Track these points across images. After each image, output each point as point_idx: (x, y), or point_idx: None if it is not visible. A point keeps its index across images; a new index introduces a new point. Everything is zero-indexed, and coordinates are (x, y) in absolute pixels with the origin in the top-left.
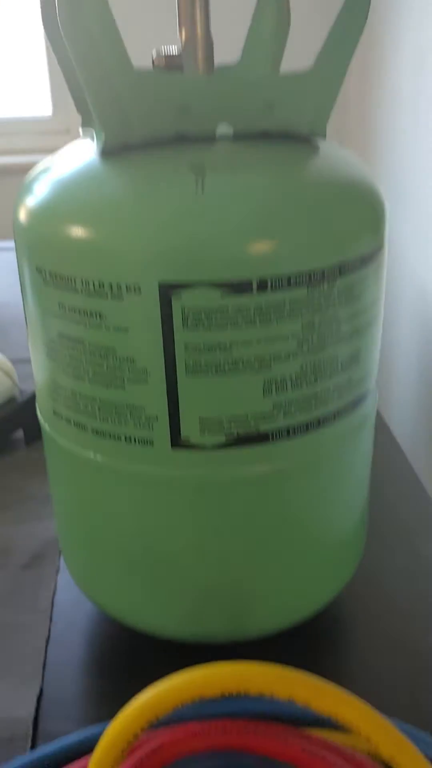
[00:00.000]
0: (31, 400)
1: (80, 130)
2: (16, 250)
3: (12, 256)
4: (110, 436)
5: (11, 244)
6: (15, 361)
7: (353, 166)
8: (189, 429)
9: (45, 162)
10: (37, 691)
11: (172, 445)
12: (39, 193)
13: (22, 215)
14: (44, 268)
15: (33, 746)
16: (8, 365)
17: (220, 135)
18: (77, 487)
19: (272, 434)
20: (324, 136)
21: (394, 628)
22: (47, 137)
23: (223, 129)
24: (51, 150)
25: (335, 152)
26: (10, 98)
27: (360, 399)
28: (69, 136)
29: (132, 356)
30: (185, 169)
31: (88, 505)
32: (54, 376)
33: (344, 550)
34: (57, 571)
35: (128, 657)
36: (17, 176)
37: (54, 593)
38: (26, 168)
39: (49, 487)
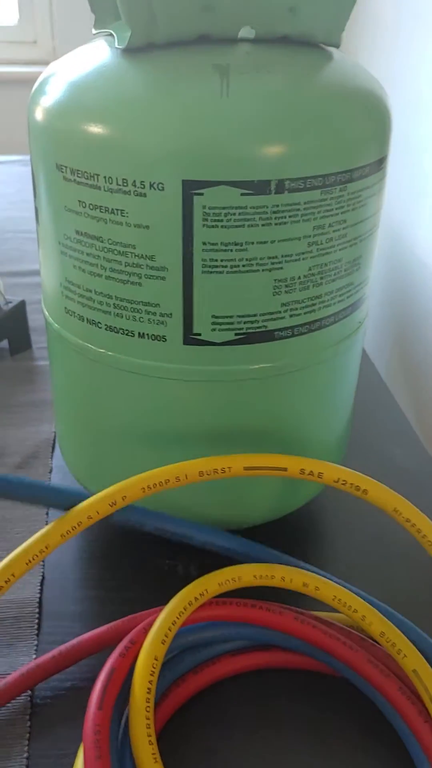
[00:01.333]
0: (17, 310)
1: (95, 31)
2: (31, 149)
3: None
4: (124, 332)
5: None
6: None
7: (364, 77)
8: (201, 326)
9: (54, 66)
10: (39, 577)
11: (184, 341)
12: (57, 92)
13: (39, 114)
14: (65, 164)
15: (39, 624)
16: None
17: (242, 37)
18: (87, 384)
19: (278, 333)
20: (338, 46)
21: (370, 524)
22: (13, 47)
23: (245, 32)
24: (17, 62)
25: (348, 62)
26: None
27: (357, 304)
28: (36, 47)
29: (151, 253)
30: (210, 69)
31: (96, 401)
32: (67, 274)
33: (332, 449)
34: (50, 471)
35: (123, 544)
36: None
37: None
38: None
39: (36, 394)
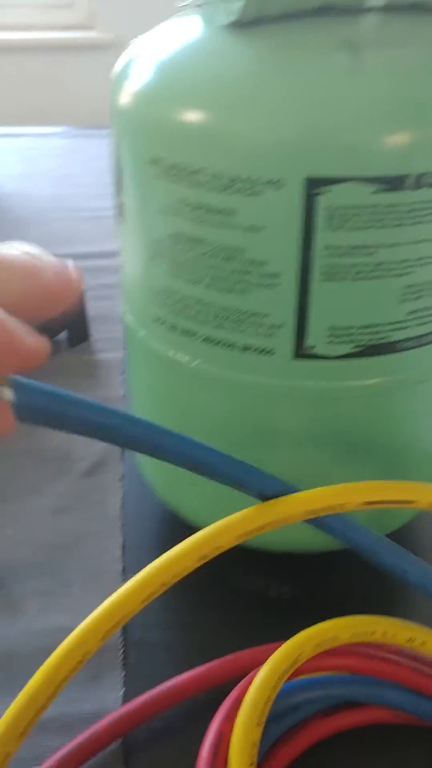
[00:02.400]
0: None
1: (182, 2)
2: (114, 141)
3: (20, 143)
4: (224, 344)
5: (15, 129)
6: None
7: None
8: (316, 338)
9: (137, 46)
10: None
11: (295, 355)
12: (148, 73)
13: (126, 100)
14: (162, 158)
15: (125, 655)
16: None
17: (370, 6)
18: (176, 398)
19: (402, 344)
20: None
21: None
22: (48, 11)
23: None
24: (52, 27)
25: None
26: None
27: None
28: (72, 12)
29: (263, 258)
30: (334, 44)
31: (187, 415)
32: (159, 279)
33: None
34: (120, 479)
35: (206, 565)
36: (13, 55)
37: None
38: (25, 46)
39: (100, 390)
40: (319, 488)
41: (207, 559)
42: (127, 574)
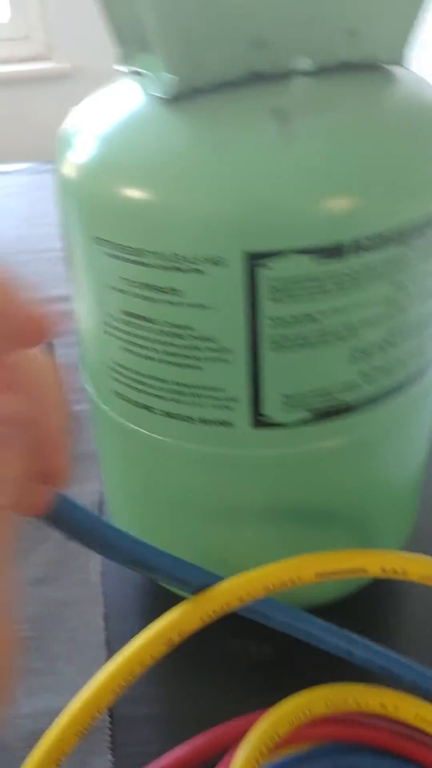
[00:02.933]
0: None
1: (118, 66)
2: (60, 211)
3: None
4: (183, 417)
5: None
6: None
7: None
8: (271, 407)
9: (78, 113)
10: None
11: (252, 425)
12: (89, 147)
13: (69, 171)
14: (104, 238)
15: (112, 733)
16: None
17: (298, 70)
18: (139, 466)
19: (356, 404)
20: (403, 64)
21: None
22: (5, 45)
23: (302, 63)
24: (8, 60)
25: (415, 80)
26: None
27: None
28: (29, 43)
29: (211, 335)
30: (265, 113)
31: (150, 482)
32: (113, 355)
33: (407, 509)
34: None
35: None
36: None
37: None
38: None
39: (76, 446)
40: (270, 564)
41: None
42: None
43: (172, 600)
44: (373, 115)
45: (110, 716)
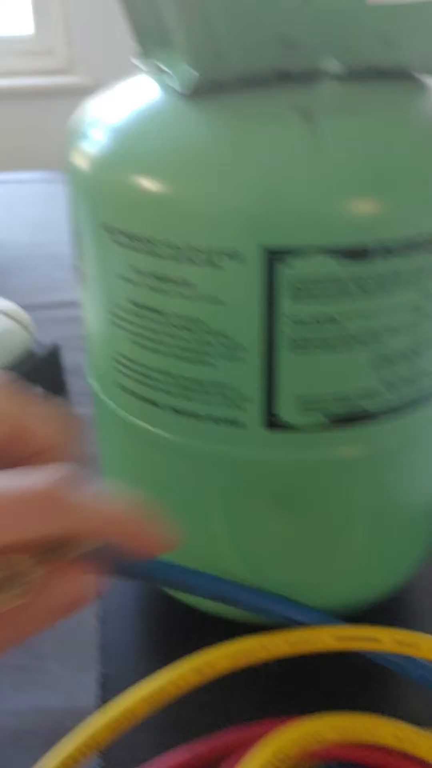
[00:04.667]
0: (51, 355)
1: (137, 62)
2: (71, 202)
3: (4, 189)
4: (192, 415)
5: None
6: (24, 309)
7: None
8: (286, 410)
9: (92, 105)
10: (97, 676)
11: (265, 427)
12: (104, 138)
13: (82, 161)
14: (114, 226)
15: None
16: (23, 316)
17: (327, 72)
18: (144, 465)
19: (377, 413)
20: None
21: None
22: (28, 58)
23: (331, 65)
24: (32, 73)
25: None
26: None
27: None
28: (52, 57)
29: (226, 330)
30: (291, 111)
31: (154, 481)
32: (120, 347)
33: (426, 525)
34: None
35: (183, 632)
36: None
37: None
38: (6, 93)
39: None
40: None
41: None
42: (104, 647)
43: (168, 603)
44: (402, 121)
45: None
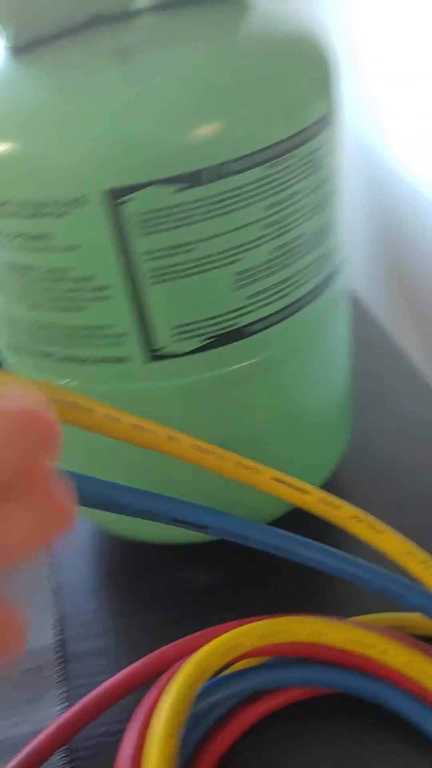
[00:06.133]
0: None
1: None
2: None
3: None
4: (79, 360)
5: None
6: None
7: (294, 24)
8: (163, 339)
9: None
10: (54, 617)
11: (148, 359)
12: None
13: None
14: None
15: (64, 669)
16: None
17: (140, 8)
18: None
19: (249, 328)
20: None
21: (394, 483)
22: None
23: (141, 0)
24: None
25: (270, 11)
26: None
27: (333, 274)
28: None
29: (88, 274)
30: (108, 55)
31: (66, 434)
32: (7, 309)
33: (335, 425)
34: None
35: (133, 568)
36: None
37: None
38: None
39: None
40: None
41: None
42: (59, 590)
43: (113, 540)
44: (226, 44)
45: (61, 654)
